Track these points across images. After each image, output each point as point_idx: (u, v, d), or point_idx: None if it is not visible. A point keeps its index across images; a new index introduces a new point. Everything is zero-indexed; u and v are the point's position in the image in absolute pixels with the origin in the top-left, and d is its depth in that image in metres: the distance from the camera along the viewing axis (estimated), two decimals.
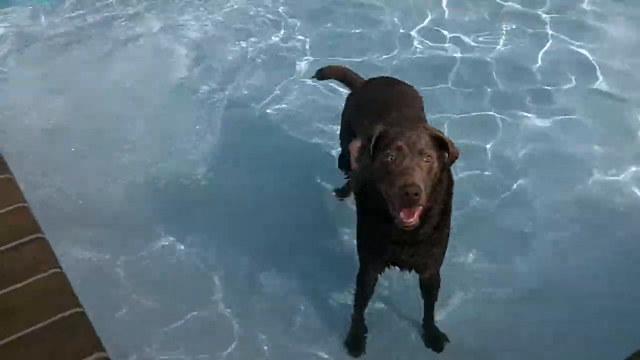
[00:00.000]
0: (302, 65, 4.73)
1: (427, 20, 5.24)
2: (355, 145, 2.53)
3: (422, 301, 3.01)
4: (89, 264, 3.32)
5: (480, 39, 5.05)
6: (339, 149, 3.51)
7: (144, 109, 4.34)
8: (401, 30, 5.12)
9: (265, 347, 3.02)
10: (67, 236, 3.37)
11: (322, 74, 3.64)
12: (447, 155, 2.45)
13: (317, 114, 4.30)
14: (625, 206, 3.74)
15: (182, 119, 4.27)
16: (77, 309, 2.15)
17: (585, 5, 5.40)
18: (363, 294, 2.96)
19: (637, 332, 2.91)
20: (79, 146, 4.04)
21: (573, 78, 4.65)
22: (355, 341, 3.05)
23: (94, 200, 3.70)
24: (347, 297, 3.17)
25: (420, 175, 2.30)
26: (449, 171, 2.55)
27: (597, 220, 3.65)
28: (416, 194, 2.25)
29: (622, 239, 3.53)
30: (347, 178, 3.53)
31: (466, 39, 5.03)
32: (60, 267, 2.28)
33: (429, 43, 4.99)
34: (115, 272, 3.31)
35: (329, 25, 5.16)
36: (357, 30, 5.13)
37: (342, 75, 3.57)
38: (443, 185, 2.49)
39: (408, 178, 2.26)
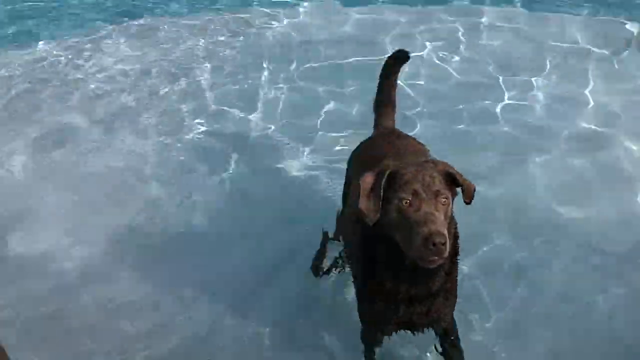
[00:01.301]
0: None
1: None
2: (368, 179, 2.20)
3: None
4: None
5: None
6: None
7: None
8: None
9: None
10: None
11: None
12: (460, 190, 2.24)
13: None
14: None
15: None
16: None
17: None
18: (371, 352, 2.75)
19: None
20: None
21: None
22: None
23: None
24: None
25: (441, 220, 2.08)
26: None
27: None
28: (443, 244, 2.03)
29: None
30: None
31: None
32: None
33: None
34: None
35: None
36: None
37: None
38: (453, 223, 2.28)
39: (432, 226, 2.04)
